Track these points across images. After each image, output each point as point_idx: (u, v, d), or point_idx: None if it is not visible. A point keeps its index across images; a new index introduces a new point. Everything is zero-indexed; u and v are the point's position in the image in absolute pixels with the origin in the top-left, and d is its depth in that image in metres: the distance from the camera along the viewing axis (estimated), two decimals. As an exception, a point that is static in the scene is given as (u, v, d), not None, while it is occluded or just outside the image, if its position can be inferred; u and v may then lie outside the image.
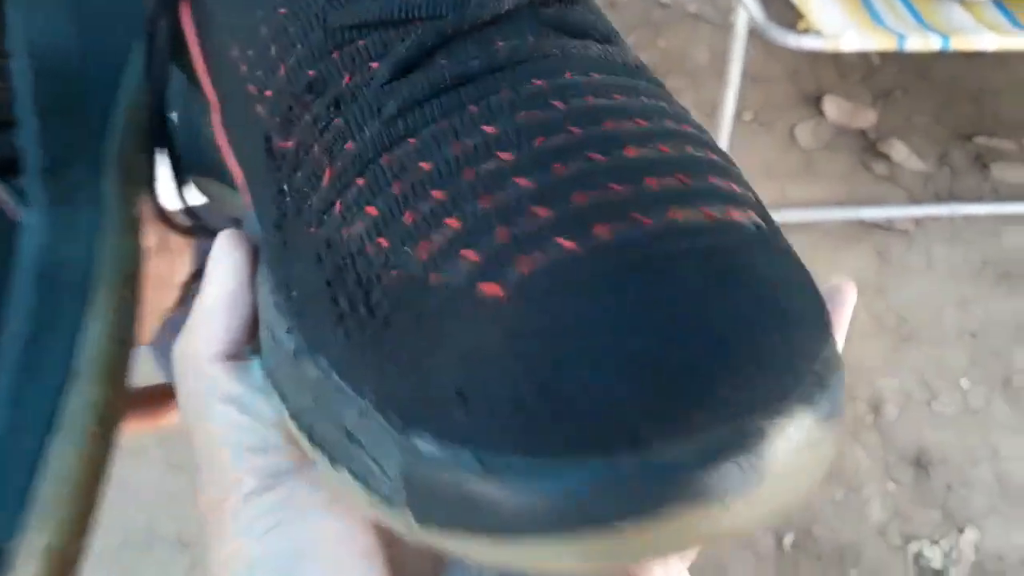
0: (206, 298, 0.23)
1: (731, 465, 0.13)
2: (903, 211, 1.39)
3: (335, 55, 0.19)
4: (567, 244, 0.15)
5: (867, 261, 1.34)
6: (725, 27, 1.15)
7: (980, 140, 1.52)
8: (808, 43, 1.02)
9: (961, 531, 1.08)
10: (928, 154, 1.50)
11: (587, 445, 0.13)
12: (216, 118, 0.23)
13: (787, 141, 1.49)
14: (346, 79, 0.19)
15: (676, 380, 0.14)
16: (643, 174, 0.16)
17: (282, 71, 0.20)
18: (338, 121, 0.19)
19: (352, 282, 0.17)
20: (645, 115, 0.18)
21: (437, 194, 0.17)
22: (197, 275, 0.34)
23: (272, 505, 0.20)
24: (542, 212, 0.16)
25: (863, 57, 1.61)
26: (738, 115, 1.46)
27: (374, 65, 0.19)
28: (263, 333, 0.21)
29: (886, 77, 1.59)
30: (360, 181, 0.18)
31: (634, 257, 0.15)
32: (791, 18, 1.12)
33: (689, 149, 0.18)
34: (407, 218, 0.17)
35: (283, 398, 0.19)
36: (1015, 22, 1.11)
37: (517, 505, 0.14)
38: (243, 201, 0.23)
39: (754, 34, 1.08)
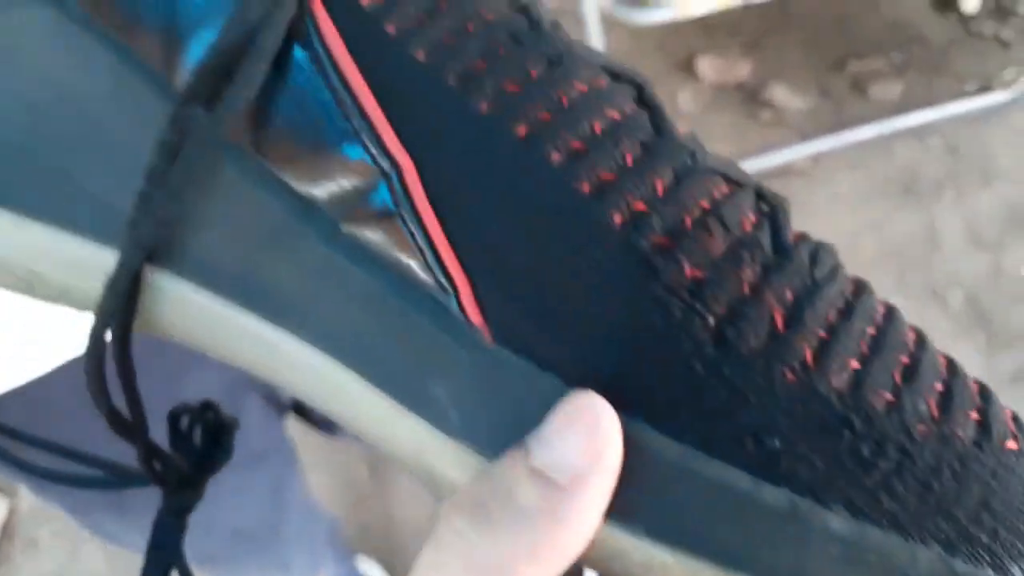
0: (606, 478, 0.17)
1: None
2: (797, 151, 1.41)
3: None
4: None
5: (775, 208, 1.36)
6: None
7: (853, 65, 1.56)
8: (658, 16, 1.03)
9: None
10: (808, 90, 1.52)
11: None
12: (439, 235, 0.18)
13: (671, 111, 1.50)
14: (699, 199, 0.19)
15: None
16: None
17: (659, 187, 0.18)
18: (779, 269, 0.19)
19: (876, 435, 0.18)
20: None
21: (938, 387, 0.19)
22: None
23: None
24: None
25: (724, 11, 1.63)
26: (618, 98, 1.47)
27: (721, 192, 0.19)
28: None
29: (751, 25, 1.62)
30: (822, 334, 0.18)
31: None
32: (641, -6, 1.13)
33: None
34: (895, 375, 0.18)
35: None
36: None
37: None
38: (477, 328, 0.18)
39: (612, 17, 1.09)
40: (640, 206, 0.18)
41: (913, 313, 1.22)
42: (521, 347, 0.18)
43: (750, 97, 1.52)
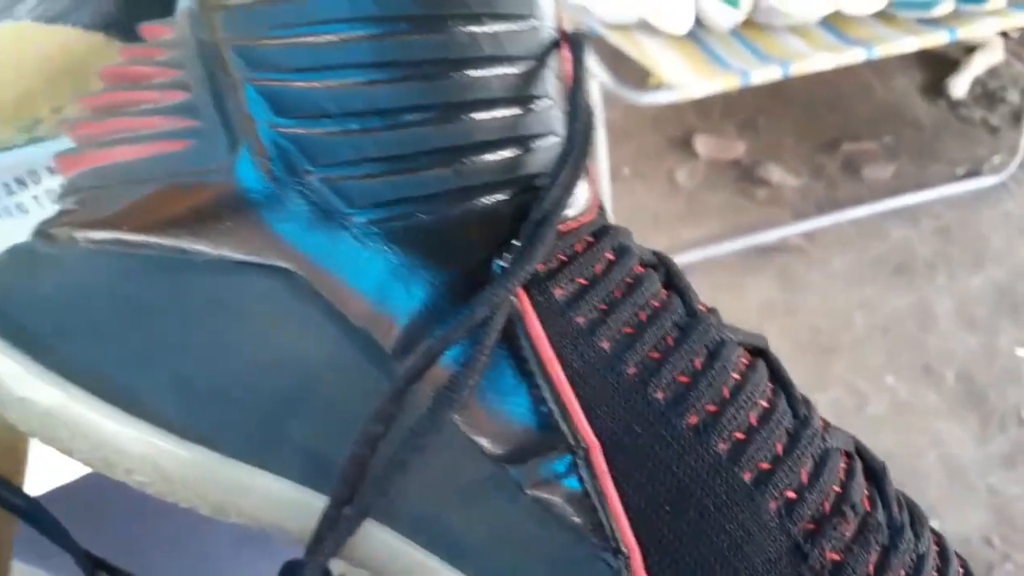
0: None
1: None
2: (791, 229, 1.44)
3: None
4: None
5: (770, 285, 1.38)
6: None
7: (846, 146, 1.59)
8: (661, 98, 1.06)
9: (920, 526, 1.09)
10: (802, 170, 1.56)
11: None
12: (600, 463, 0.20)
13: (668, 187, 1.54)
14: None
15: None
16: None
17: (804, 475, 0.20)
18: (895, 549, 0.20)
19: None
20: None
21: None
22: None
23: None
24: None
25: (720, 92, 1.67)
26: (616, 172, 1.50)
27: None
28: None
29: (746, 106, 1.66)
30: None
31: None
32: (642, 74, 1.17)
33: None
34: None
35: None
36: (845, 39, 1.18)
37: None
38: None
39: (612, 93, 1.12)
40: (791, 494, 0.20)
41: (905, 392, 1.23)
42: None
43: (745, 175, 1.55)
